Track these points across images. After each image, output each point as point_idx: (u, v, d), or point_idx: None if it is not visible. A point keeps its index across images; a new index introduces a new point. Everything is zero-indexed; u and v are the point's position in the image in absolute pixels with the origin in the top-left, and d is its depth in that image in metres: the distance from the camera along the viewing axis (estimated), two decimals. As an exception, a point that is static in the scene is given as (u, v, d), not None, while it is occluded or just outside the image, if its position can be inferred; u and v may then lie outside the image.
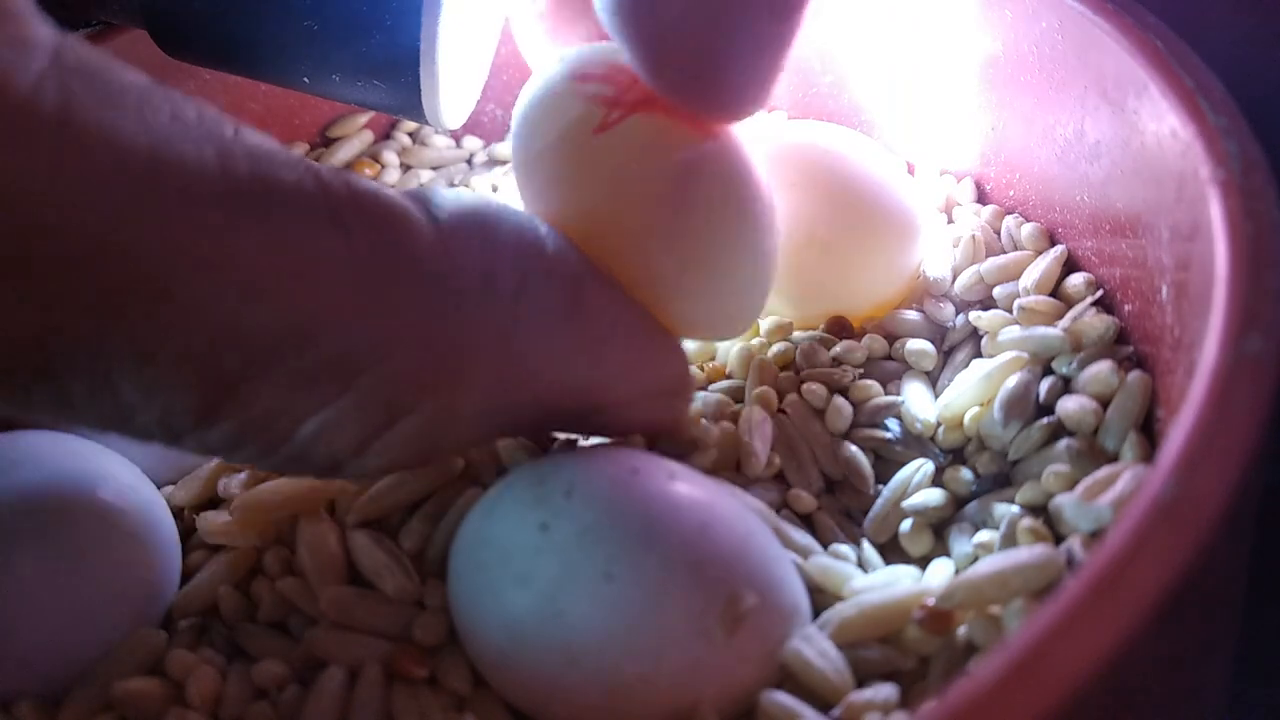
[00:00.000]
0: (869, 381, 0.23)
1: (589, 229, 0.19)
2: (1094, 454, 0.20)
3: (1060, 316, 0.22)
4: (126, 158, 0.14)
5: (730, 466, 0.22)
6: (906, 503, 0.21)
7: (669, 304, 0.20)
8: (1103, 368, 0.20)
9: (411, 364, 0.16)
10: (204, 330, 0.15)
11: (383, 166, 0.33)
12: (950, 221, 0.27)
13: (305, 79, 0.22)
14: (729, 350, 0.24)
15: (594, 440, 0.21)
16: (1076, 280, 0.23)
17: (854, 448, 0.22)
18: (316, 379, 0.16)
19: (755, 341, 0.24)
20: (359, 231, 0.16)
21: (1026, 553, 0.18)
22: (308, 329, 0.15)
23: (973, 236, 0.25)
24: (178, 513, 0.22)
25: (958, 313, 0.24)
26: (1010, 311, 0.23)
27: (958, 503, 0.21)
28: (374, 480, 0.21)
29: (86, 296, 0.14)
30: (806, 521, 0.21)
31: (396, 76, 0.21)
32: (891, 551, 0.21)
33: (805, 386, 0.23)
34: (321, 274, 0.15)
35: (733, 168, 0.20)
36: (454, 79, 0.22)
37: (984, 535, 0.20)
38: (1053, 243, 0.25)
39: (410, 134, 0.34)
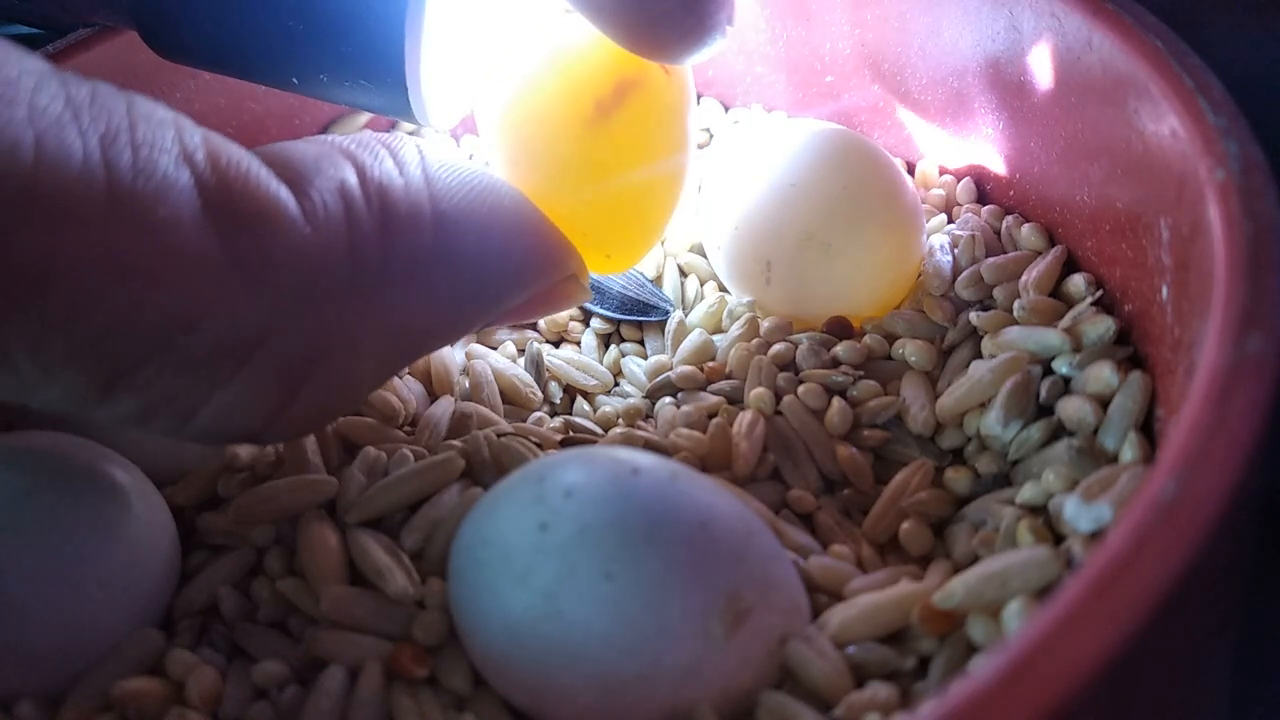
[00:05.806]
0: (869, 381, 0.23)
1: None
2: (1094, 454, 0.20)
3: (1060, 316, 0.22)
4: (12, 159, 0.14)
5: (724, 466, 0.22)
6: (906, 503, 0.21)
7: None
8: (1103, 368, 0.20)
9: (298, 341, 0.17)
10: (90, 322, 0.15)
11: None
12: (950, 221, 0.27)
13: (294, 80, 0.22)
14: (729, 350, 0.24)
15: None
16: (1076, 280, 0.23)
17: (853, 448, 0.22)
18: (208, 362, 0.16)
19: (755, 341, 0.24)
20: (230, 224, 0.16)
21: (1026, 553, 0.18)
22: (191, 317, 0.16)
23: (972, 236, 0.25)
24: (178, 513, 0.22)
25: (957, 313, 0.24)
26: (1010, 311, 0.23)
27: (958, 503, 0.21)
28: (369, 482, 0.21)
29: None
30: (806, 521, 0.21)
31: (383, 77, 0.21)
32: (891, 551, 0.21)
33: (804, 387, 0.23)
34: (199, 266, 0.16)
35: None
36: (444, 79, 0.22)
37: (984, 535, 0.20)
38: (1053, 242, 0.24)
39: (410, 134, 0.34)
